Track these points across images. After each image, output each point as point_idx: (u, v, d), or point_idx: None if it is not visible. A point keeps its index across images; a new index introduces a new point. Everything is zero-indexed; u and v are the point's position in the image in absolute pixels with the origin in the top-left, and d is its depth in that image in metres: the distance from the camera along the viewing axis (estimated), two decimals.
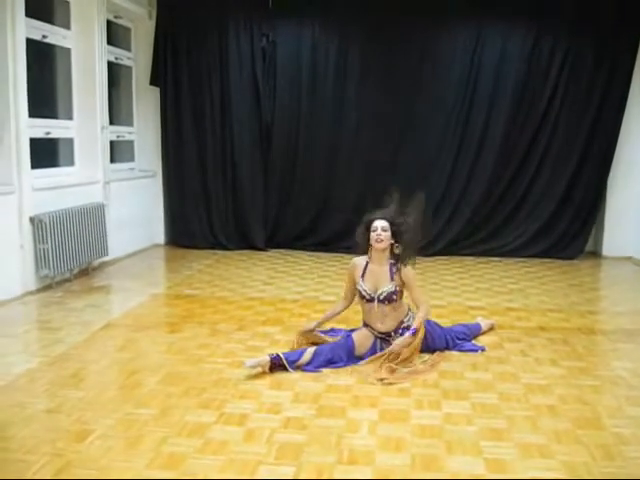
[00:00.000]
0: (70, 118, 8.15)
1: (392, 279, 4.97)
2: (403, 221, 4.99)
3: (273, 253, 9.61)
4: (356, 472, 3.33)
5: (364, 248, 5.08)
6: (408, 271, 4.99)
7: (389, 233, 4.95)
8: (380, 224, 4.95)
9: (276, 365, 4.66)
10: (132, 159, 9.89)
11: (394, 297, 4.95)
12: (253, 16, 9.42)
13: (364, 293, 4.98)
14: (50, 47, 7.80)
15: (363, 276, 5.02)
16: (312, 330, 5.22)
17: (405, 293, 5.07)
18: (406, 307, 5.08)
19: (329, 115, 9.56)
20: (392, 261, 5.01)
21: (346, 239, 9.44)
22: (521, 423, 3.91)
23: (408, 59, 9.30)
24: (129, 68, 9.69)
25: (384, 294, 4.93)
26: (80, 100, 8.16)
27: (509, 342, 5.46)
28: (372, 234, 4.96)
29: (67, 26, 7.98)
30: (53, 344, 5.29)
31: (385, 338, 5.00)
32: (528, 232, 9.55)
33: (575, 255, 9.42)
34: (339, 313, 5.36)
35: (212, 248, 9.75)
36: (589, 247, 9.70)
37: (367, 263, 5.06)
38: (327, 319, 5.36)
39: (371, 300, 4.96)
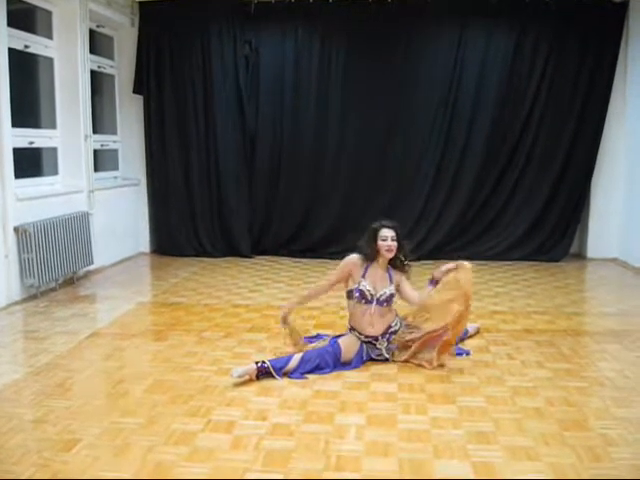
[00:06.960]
0: (53, 127, 8.12)
1: (391, 282, 5.02)
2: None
3: (259, 260, 9.59)
4: (344, 478, 3.33)
5: (371, 256, 5.05)
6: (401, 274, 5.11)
7: (396, 242, 4.98)
8: (390, 234, 4.97)
9: (263, 372, 4.67)
10: (116, 167, 9.87)
11: (393, 299, 5.01)
12: (235, 23, 9.41)
13: (367, 293, 4.96)
14: (33, 57, 7.77)
15: (364, 277, 5.03)
16: (289, 313, 5.23)
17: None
18: (395, 313, 5.11)
19: (313, 122, 9.57)
20: (390, 266, 5.06)
21: (332, 245, 9.52)
22: (508, 426, 3.92)
23: (391, 65, 9.32)
24: (112, 76, 9.67)
25: (385, 295, 4.95)
26: (63, 109, 8.14)
27: (495, 345, 5.48)
28: (382, 243, 4.96)
29: (49, 35, 7.97)
30: (39, 354, 5.26)
31: (372, 342, 5.01)
32: (513, 235, 9.59)
33: (560, 257, 9.47)
34: (320, 294, 5.46)
35: (198, 256, 9.72)
36: (574, 249, 9.76)
37: (367, 266, 5.06)
38: (310, 298, 5.41)
39: (370, 301, 4.96)
